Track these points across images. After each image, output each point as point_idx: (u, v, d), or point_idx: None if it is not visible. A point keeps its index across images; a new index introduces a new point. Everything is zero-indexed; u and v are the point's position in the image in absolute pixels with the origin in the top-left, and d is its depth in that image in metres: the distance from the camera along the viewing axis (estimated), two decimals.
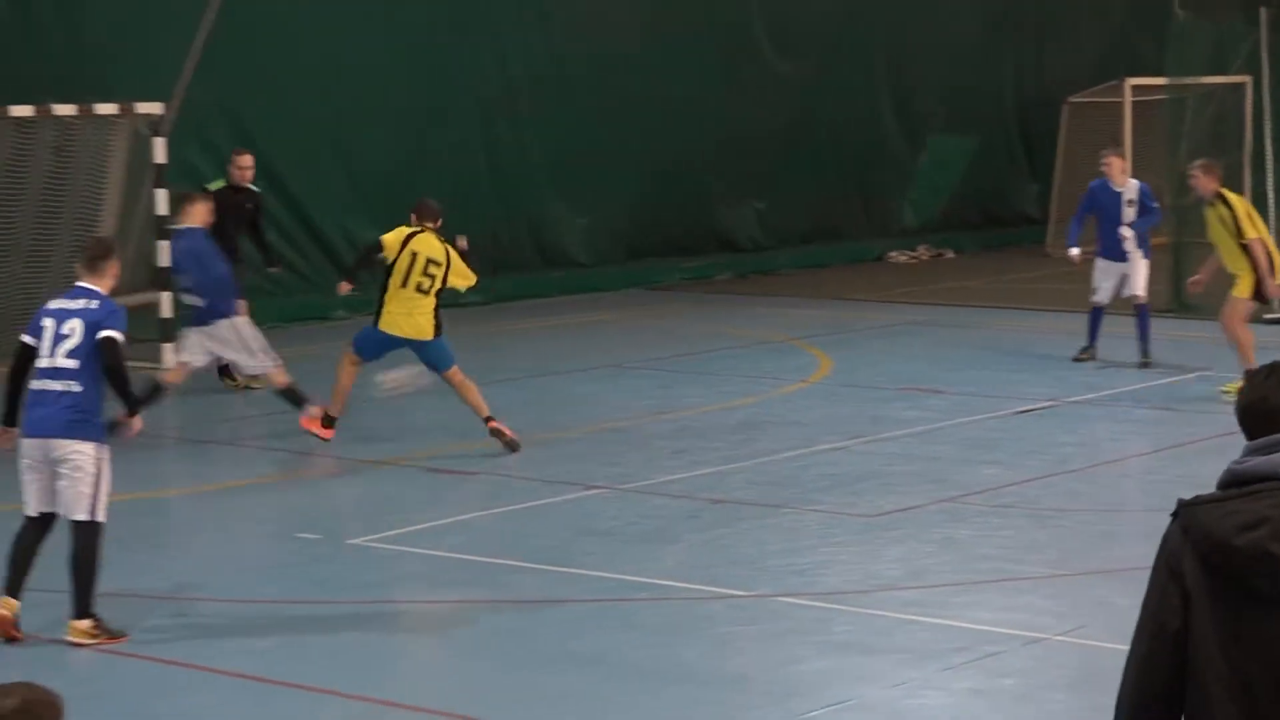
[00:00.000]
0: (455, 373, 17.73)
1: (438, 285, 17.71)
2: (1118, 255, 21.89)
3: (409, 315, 17.67)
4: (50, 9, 23.66)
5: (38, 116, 21.87)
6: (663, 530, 14.83)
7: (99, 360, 11.86)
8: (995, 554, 13.96)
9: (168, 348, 20.67)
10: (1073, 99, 33.51)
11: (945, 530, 14.68)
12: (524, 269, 28.86)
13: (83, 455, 11.77)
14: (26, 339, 12.09)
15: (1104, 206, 22.01)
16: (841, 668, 11.48)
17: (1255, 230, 19.60)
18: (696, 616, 12.66)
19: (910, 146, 34.09)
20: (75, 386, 11.84)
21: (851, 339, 24.73)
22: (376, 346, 18.08)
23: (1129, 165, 22.62)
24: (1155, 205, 22.34)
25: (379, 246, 17.80)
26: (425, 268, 17.63)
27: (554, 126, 28.71)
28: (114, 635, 11.87)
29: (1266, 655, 5.01)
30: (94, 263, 12.31)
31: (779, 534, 14.66)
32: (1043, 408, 19.66)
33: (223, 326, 18.84)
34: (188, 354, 18.94)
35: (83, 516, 11.79)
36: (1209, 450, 16.08)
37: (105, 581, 11.97)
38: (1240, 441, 5.17)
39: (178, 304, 20.50)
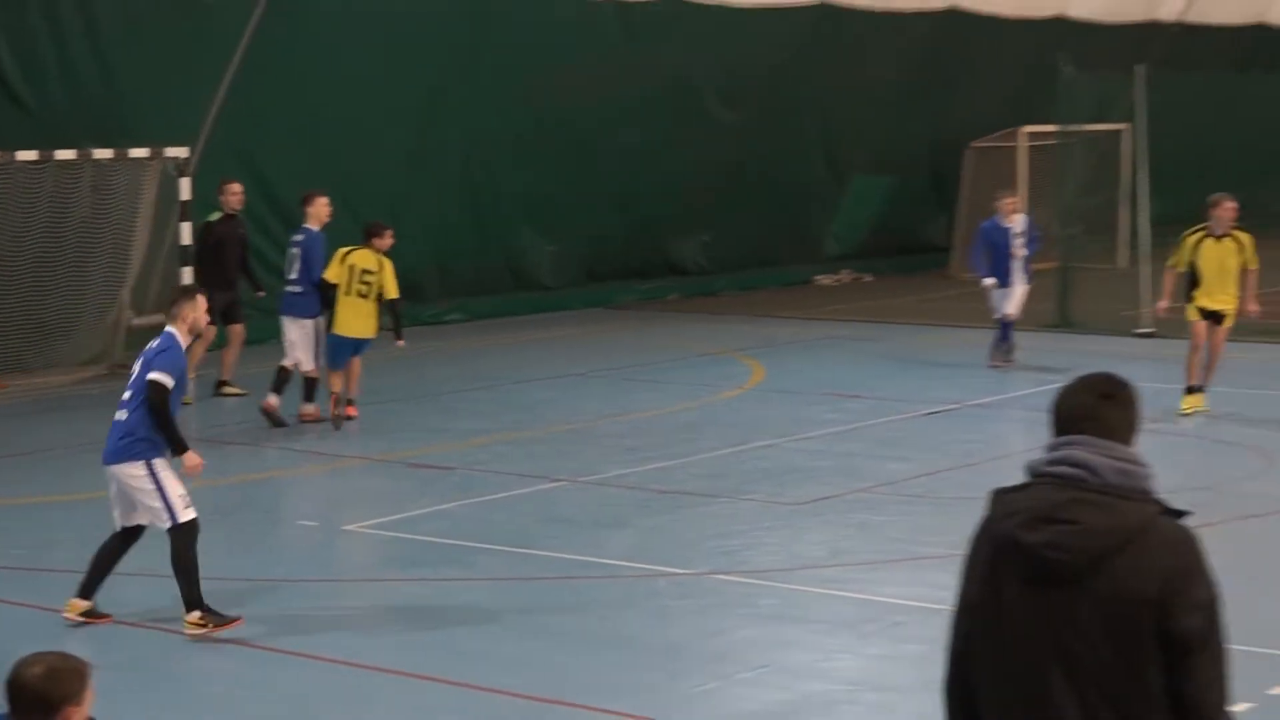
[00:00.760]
0: (358, 360, 18.83)
1: (375, 290, 18.56)
2: (1007, 280, 22.12)
3: (357, 317, 18.55)
4: (87, 59, 23.52)
5: (78, 160, 21.85)
6: (616, 517, 14.81)
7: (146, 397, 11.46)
8: (903, 537, 13.97)
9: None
10: (975, 144, 33.56)
11: (860, 516, 14.68)
12: (498, 291, 28.86)
13: (136, 475, 11.39)
14: None
15: (995, 242, 22.26)
16: (766, 636, 11.48)
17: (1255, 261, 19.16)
18: (642, 592, 12.65)
19: (835, 185, 34.09)
20: (124, 416, 11.51)
21: (781, 351, 24.70)
22: (336, 351, 18.75)
23: (1022, 203, 22.79)
24: (1038, 235, 22.82)
25: (328, 283, 18.65)
26: (361, 275, 18.53)
27: (526, 169, 28.67)
28: (224, 622, 11.47)
29: (1018, 630, 4.94)
30: (170, 307, 11.84)
31: (716, 520, 14.64)
32: (947, 410, 19.68)
33: (308, 324, 18.94)
34: (297, 350, 18.94)
35: (166, 524, 11.43)
36: None
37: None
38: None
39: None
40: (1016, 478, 5.14)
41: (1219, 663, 4.78)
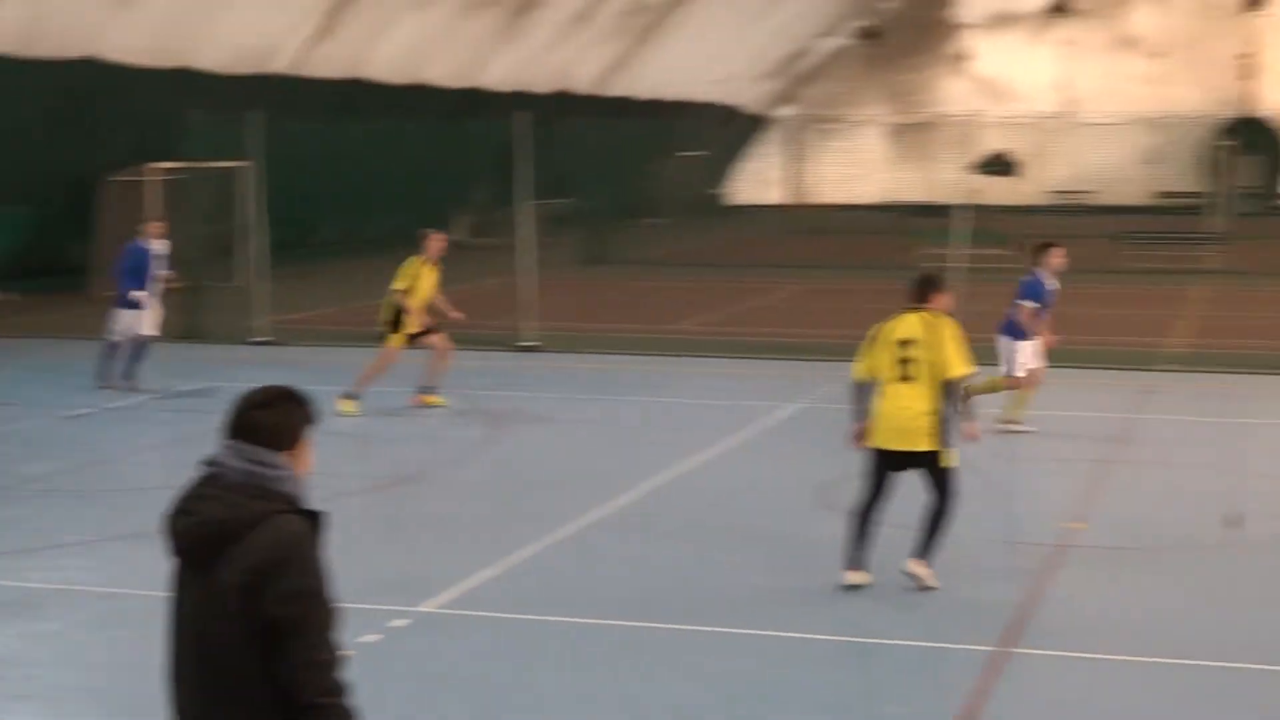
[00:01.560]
0: None
1: None
2: (131, 304, 20.66)
3: None
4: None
5: None
6: None
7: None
8: (48, 528, 13.36)
9: None
10: (113, 178, 32.79)
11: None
12: None
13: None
14: None
15: (139, 264, 20.70)
16: None
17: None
18: None
19: None
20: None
21: None
22: None
23: (164, 229, 21.76)
24: (168, 257, 21.45)
25: None
26: None
27: None
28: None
29: (176, 608, 4.92)
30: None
31: None
32: (85, 414, 19.05)
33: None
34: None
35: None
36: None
37: None
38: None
39: None
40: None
41: (316, 648, 4.73)
